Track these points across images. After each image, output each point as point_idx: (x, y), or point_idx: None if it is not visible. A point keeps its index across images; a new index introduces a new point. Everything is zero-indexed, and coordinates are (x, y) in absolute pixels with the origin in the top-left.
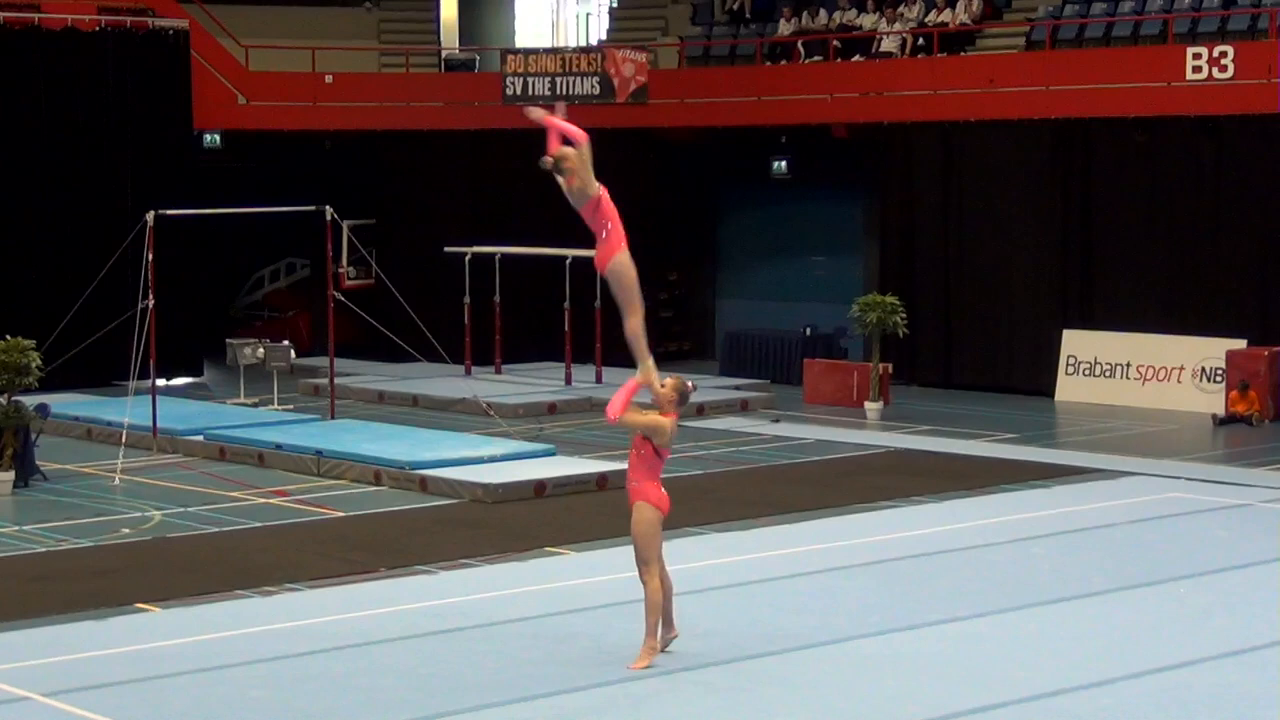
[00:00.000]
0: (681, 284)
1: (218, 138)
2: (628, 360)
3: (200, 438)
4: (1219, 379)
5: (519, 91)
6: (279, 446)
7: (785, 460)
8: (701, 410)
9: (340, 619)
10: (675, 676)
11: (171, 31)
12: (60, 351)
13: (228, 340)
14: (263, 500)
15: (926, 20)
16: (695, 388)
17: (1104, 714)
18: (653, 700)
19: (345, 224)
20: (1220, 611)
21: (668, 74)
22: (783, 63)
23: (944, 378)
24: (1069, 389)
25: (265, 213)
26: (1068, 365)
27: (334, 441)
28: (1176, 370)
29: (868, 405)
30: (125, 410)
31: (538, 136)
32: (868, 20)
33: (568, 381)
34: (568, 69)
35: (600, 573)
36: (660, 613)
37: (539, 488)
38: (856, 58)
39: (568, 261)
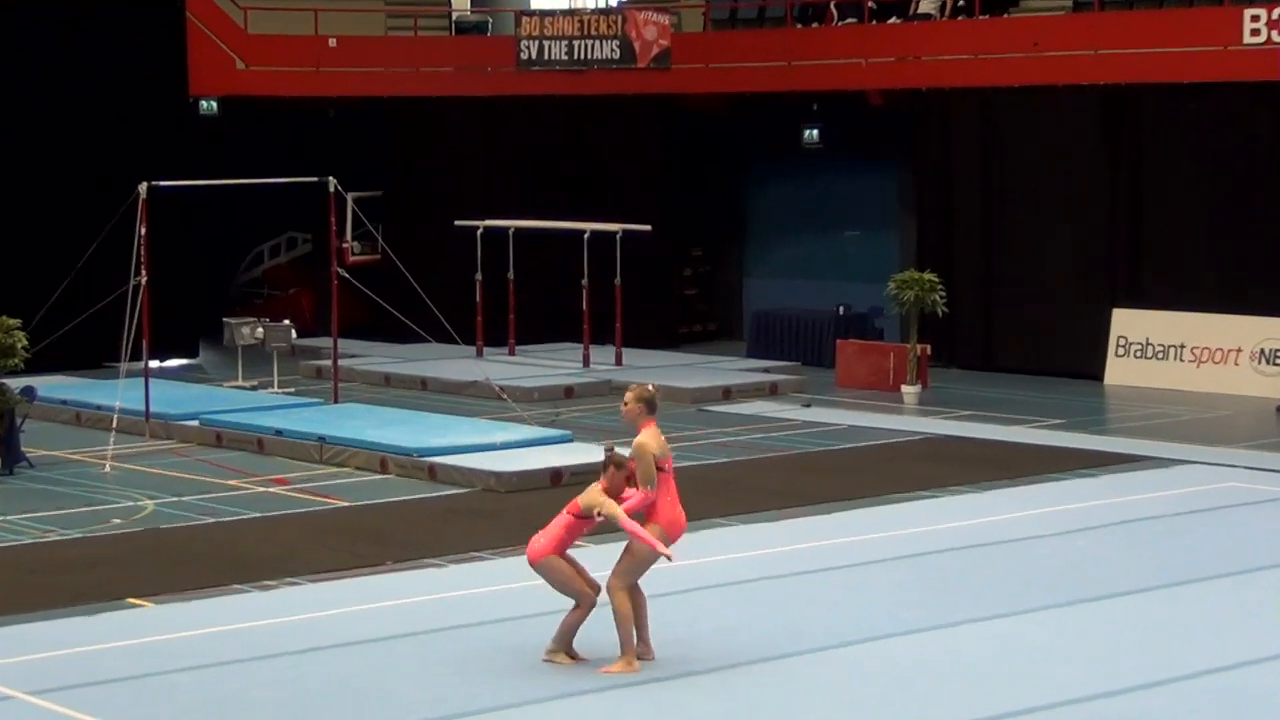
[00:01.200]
0: (706, 261)
1: (215, 105)
2: (647, 341)
3: (195, 423)
4: (1279, 361)
5: (534, 56)
6: (279, 432)
7: (816, 447)
8: (728, 394)
9: (344, 615)
10: (697, 678)
11: None
12: (48, 331)
13: (225, 319)
14: (262, 489)
15: None
16: (656, 389)
17: (1153, 718)
18: (673, 702)
19: (350, 196)
20: (1277, 609)
21: (692, 37)
22: (814, 25)
23: (985, 360)
24: (1119, 372)
25: (265, 184)
26: (1117, 346)
27: (337, 427)
28: (1234, 352)
29: (904, 389)
30: (116, 394)
31: (555, 103)
32: None
33: (585, 363)
34: (586, 32)
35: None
36: (628, 626)
37: (555, 476)
38: (893, 20)
39: (585, 236)
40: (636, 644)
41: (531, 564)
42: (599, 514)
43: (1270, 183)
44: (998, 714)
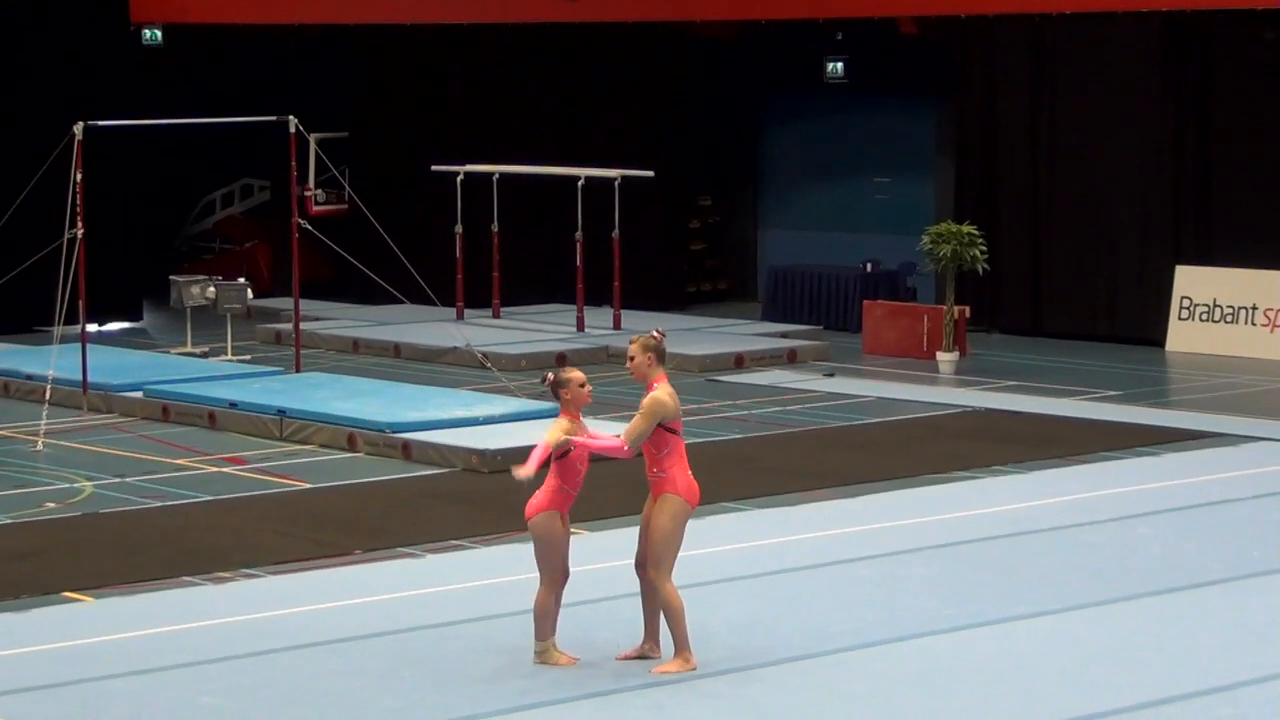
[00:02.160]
0: (717, 210)
1: (159, 34)
2: (650, 302)
3: (139, 394)
4: None
5: None
6: (234, 405)
7: (840, 422)
8: (741, 362)
9: (306, 611)
10: (708, 681)
11: None
12: None
13: (172, 278)
14: (214, 469)
15: None
16: (664, 334)
17: None
18: (679, 709)
19: (312, 138)
20: None
21: None
22: None
23: (1032, 324)
24: (1183, 337)
25: (216, 124)
26: (1181, 309)
27: (300, 399)
28: None
29: (940, 356)
30: (49, 361)
31: (545, 31)
32: None
33: (580, 327)
34: None
35: (618, 556)
36: (682, 621)
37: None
38: None
39: (580, 183)
40: (643, 641)
41: (527, 519)
42: (570, 445)
43: None
44: None
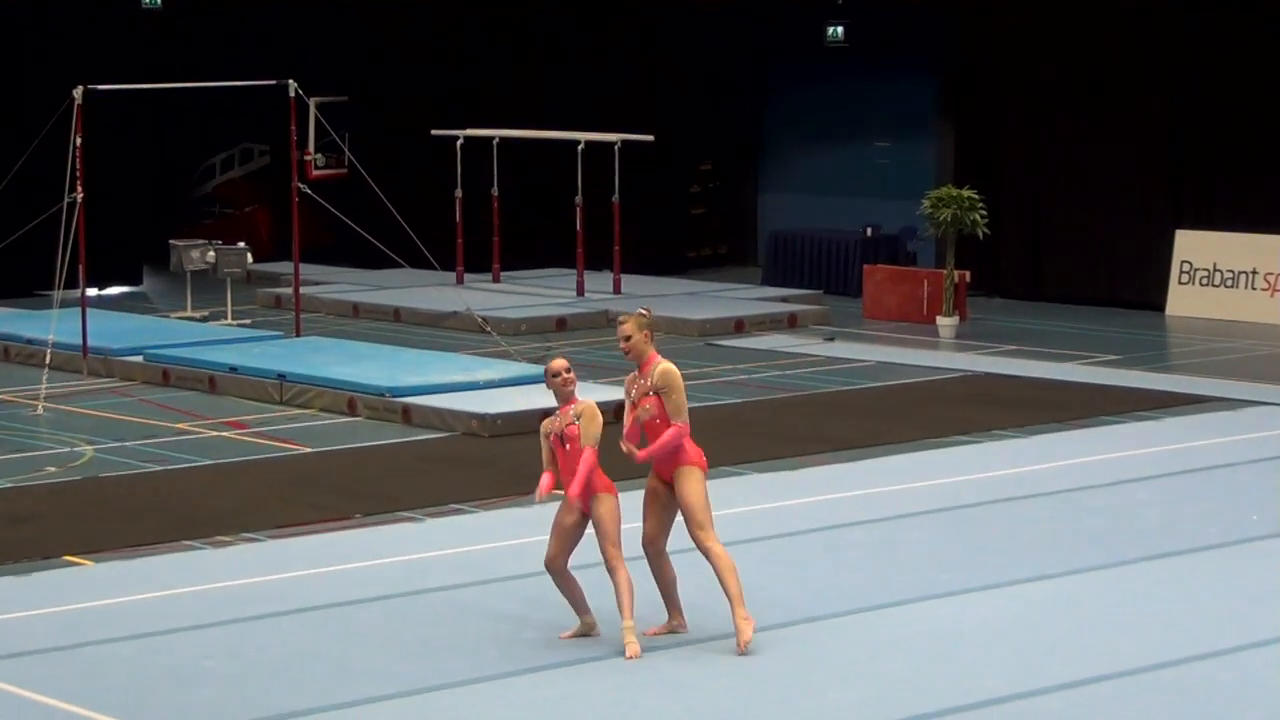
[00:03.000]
0: (717, 175)
1: None
2: (650, 266)
3: (139, 358)
4: None
5: None
6: (234, 369)
7: (840, 386)
8: (741, 326)
9: (306, 576)
10: (705, 645)
11: None
12: None
13: (171, 242)
14: (214, 433)
15: None
16: (649, 311)
17: (1223, 690)
18: (676, 675)
19: (312, 102)
20: None
21: None
22: None
23: (1032, 288)
24: (1183, 301)
25: (216, 88)
26: (1181, 273)
27: (299, 363)
28: None
29: (940, 321)
30: (50, 326)
31: None
32: None
33: (580, 292)
34: None
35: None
36: (737, 576)
37: (545, 419)
38: None
39: (580, 147)
40: (670, 617)
41: (597, 494)
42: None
43: None
44: (1047, 686)
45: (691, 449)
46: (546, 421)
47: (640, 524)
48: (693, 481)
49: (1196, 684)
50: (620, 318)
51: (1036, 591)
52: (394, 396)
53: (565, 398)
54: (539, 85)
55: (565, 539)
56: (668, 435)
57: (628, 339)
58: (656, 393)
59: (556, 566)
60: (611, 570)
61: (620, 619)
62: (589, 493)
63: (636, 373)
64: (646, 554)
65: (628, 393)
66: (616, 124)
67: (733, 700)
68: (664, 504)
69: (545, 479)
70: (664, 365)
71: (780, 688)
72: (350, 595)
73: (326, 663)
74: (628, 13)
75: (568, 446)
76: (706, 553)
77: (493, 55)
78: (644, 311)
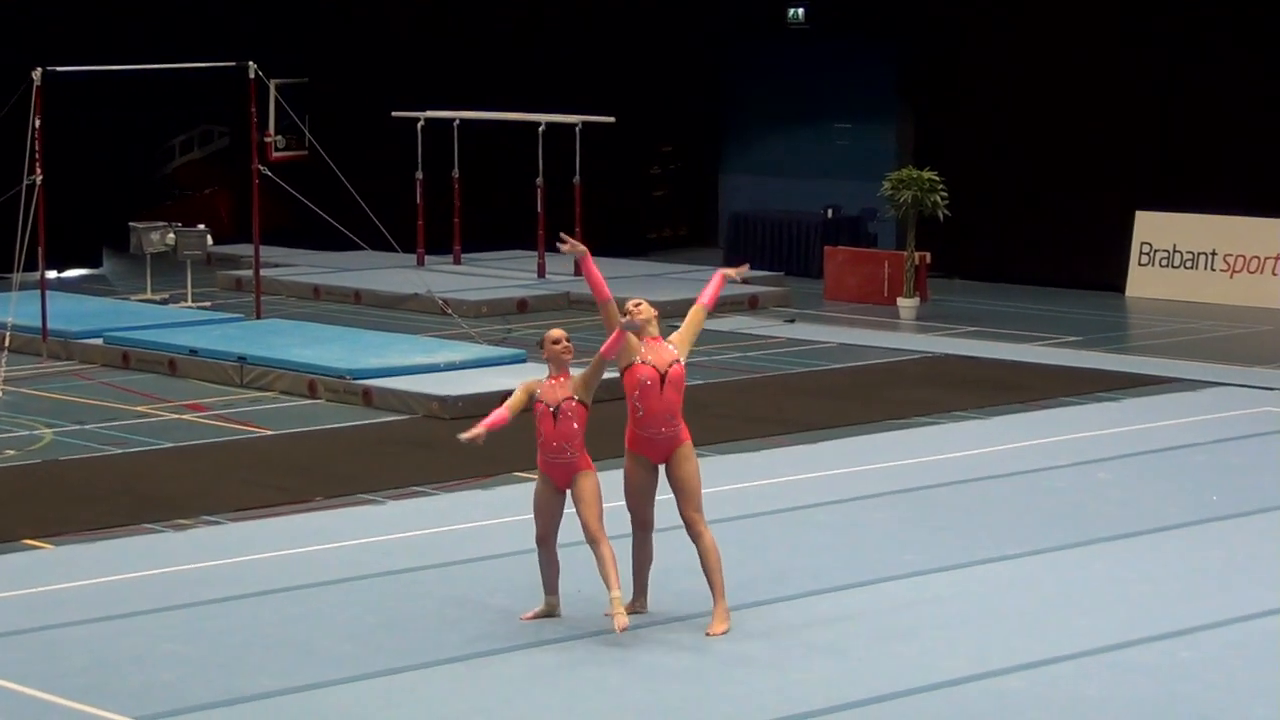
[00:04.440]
0: (678, 156)
1: None
2: (611, 248)
3: (99, 341)
4: None
5: None
6: (194, 351)
7: (802, 368)
8: None
9: (268, 558)
10: (667, 627)
11: None
12: None
13: (131, 224)
14: (174, 416)
15: None
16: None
17: (1182, 669)
18: (635, 656)
19: (272, 83)
20: None
21: None
22: None
23: (992, 269)
24: (1142, 283)
25: (176, 69)
26: (1141, 254)
27: (260, 345)
28: (1272, 260)
29: (900, 302)
30: (8, 308)
31: None
32: None
33: (541, 274)
34: None
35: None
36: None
37: (535, 381)
38: None
39: (541, 129)
40: (634, 597)
41: (580, 471)
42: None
43: None
44: (1008, 666)
45: (686, 429)
46: (541, 387)
47: (623, 503)
48: (694, 462)
49: (1156, 663)
50: (630, 305)
51: (998, 572)
52: (355, 379)
53: (561, 367)
54: (500, 67)
55: (550, 515)
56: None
57: (638, 304)
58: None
59: (549, 544)
60: (594, 543)
61: (607, 591)
62: (573, 470)
63: (569, 381)
64: (637, 535)
65: (541, 392)
66: (578, 105)
67: (696, 680)
68: (650, 481)
69: (497, 414)
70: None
71: (743, 668)
72: (311, 578)
73: (287, 645)
74: None
75: (558, 418)
76: (699, 537)
77: (453, 37)
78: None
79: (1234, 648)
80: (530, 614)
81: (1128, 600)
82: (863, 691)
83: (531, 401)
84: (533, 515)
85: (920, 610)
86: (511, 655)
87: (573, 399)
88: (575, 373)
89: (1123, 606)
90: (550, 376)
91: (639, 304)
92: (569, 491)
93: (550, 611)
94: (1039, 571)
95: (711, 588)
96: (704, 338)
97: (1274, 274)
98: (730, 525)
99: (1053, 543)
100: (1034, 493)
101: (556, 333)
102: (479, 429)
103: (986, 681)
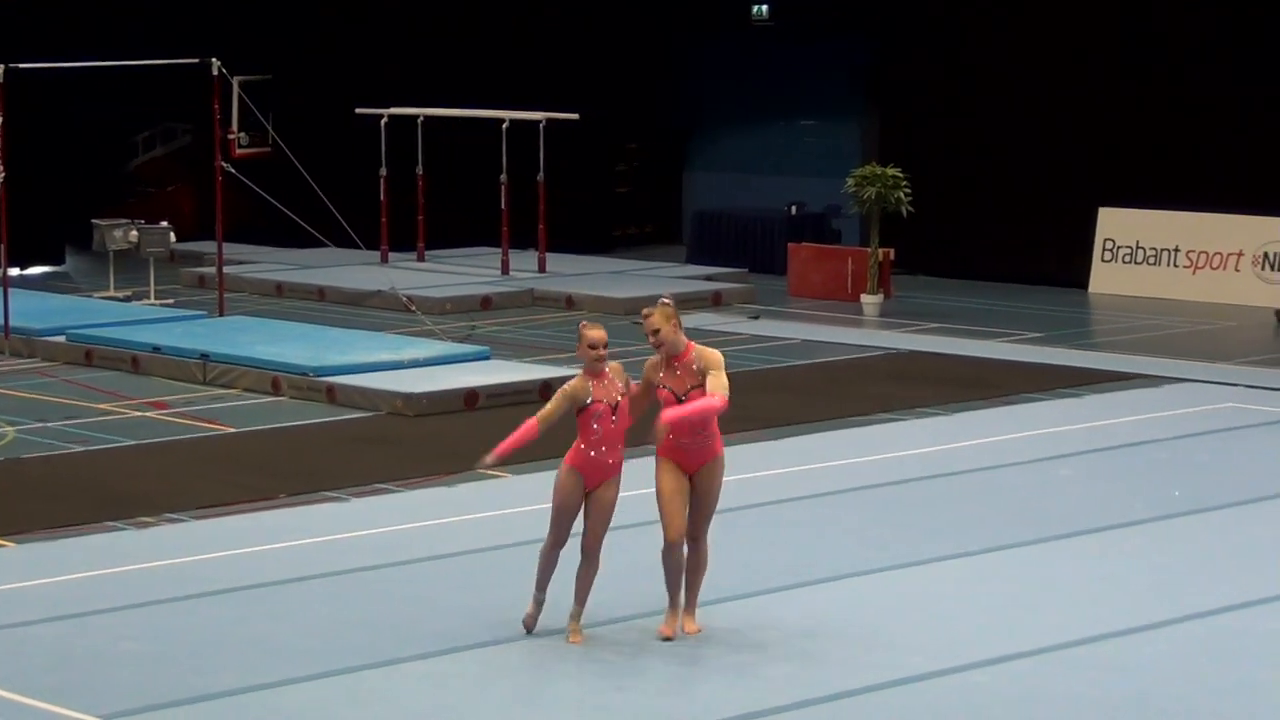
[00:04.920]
0: (642, 154)
1: None
2: (574, 245)
3: (62, 338)
4: None
5: None
6: (157, 349)
7: (765, 364)
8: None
9: (230, 556)
10: (637, 624)
11: None
12: None
13: (94, 221)
14: (137, 414)
15: None
16: (671, 300)
17: (1146, 664)
18: (609, 650)
19: (235, 80)
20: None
21: None
22: None
23: (955, 266)
24: (1105, 279)
25: (139, 66)
26: (1104, 251)
27: (223, 343)
28: (1234, 256)
29: (864, 299)
30: None
31: None
32: None
33: (505, 270)
34: None
35: (543, 499)
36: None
37: (470, 398)
38: None
39: (504, 126)
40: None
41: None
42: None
43: (1276, 60)
44: (973, 661)
45: (719, 437)
46: (593, 387)
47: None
48: (721, 477)
49: (1121, 657)
50: (644, 311)
51: (961, 568)
52: (318, 376)
53: (599, 372)
54: (464, 64)
55: (573, 518)
56: (702, 403)
57: (656, 332)
58: (702, 376)
59: (562, 547)
60: (593, 556)
61: (575, 604)
62: (611, 473)
63: (661, 360)
64: (683, 548)
65: (649, 379)
66: (542, 103)
67: (661, 677)
68: (686, 492)
69: (525, 429)
70: (709, 351)
71: (710, 664)
72: (274, 575)
73: (249, 643)
74: None
75: (617, 416)
76: (698, 546)
77: (417, 34)
78: (666, 301)
79: (1197, 642)
80: (531, 618)
81: (1090, 596)
82: (829, 688)
83: (573, 407)
84: (554, 516)
85: (885, 606)
86: (475, 652)
87: (627, 397)
88: (618, 368)
89: (1085, 602)
90: (590, 376)
91: (648, 314)
92: (589, 494)
93: (539, 610)
94: (1002, 567)
95: (689, 589)
96: None
97: (1237, 270)
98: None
99: (1016, 539)
100: (997, 489)
101: (596, 336)
102: (504, 448)
103: (951, 677)
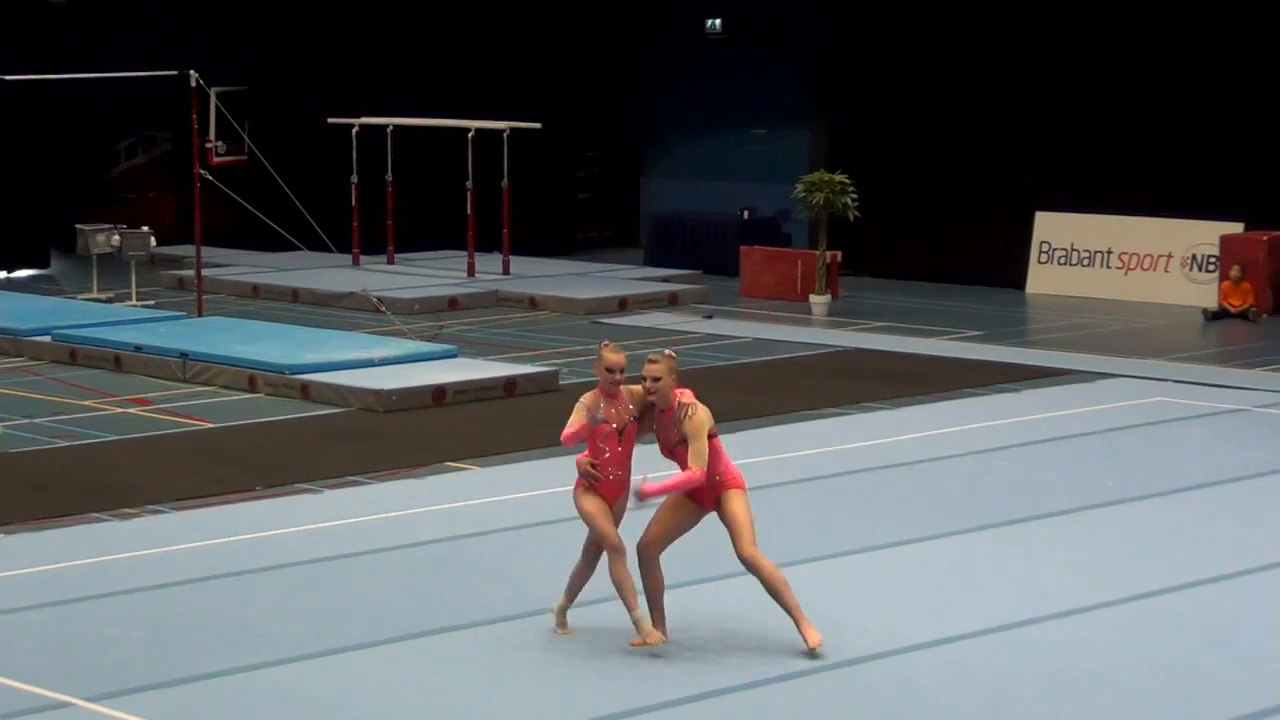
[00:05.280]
0: (602, 161)
1: None
2: (538, 247)
3: (47, 338)
4: (1211, 268)
5: None
6: (139, 348)
7: (718, 361)
8: (624, 305)
9: (210, 545)
10: (579, 611)
11: None
12: None
13: (78, 226)
14: (120, 410)
15: None
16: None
17: (1075, 646)
18: (552, 641)
19: (213, 91)
20: (1207, 530)
21: None
22: None
23: (900, 267)
24: (1042, 280)
25: (121, 78)
26: (1040, 253)
27: (202, 342)
28: (1164, 258)
29: (813, 299)
30: None
31: None
32: None
33: (470, 272)
34: None
35: (508, 491)
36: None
37: (438, 394)
38: None
39: (470, 135)
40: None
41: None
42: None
43: (1206, 75)
44: (912, 643)
45: (733, 471)
46: (604, 409)
47: (644, 527)
48: (743, 504)
49: (1052, 638)
50: (651, 357)
51: (901, 554)
52: (293, 374)
53: (613, 393)
54: (432, 76)
55: (671, 531)
56: (682, 477)
57: (657, 380)
58: (681, 432)
59: (650, 553)
60: (623, 555)
61: (629, 613)
62: (622, 486)
63: (602, 397)
64: (641, 557)
65: (603, 411)
66: (506, 112)
67: (613, 661)
68: (684, 518)
69: (578, 431)
70: (697, 411)
71: (665, 650)
72: (251, 564)
73: (229, 628)
74: (518, 6)
75: (623, 439)
76: (757, 568)
77: (387, 47)
78: (671, 354)
79: (1124, 625)
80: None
81: (1025, 581)
82: (774, 670)
83: (589, 420)
84: (596, 526)
85: (825, 590)
86: (445, 636)
87: (635, 422)
88: (635, 391)
89: (1021, 587)
90: (604, 395)
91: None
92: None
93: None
94: (942, 554)
95: (788, 611)
96: (626, 333)
97: (1166, 271)
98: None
99: (955, 527)
100: (938, 479)
101: (615, 360)
102: (587, 457)
103: (893, 658)
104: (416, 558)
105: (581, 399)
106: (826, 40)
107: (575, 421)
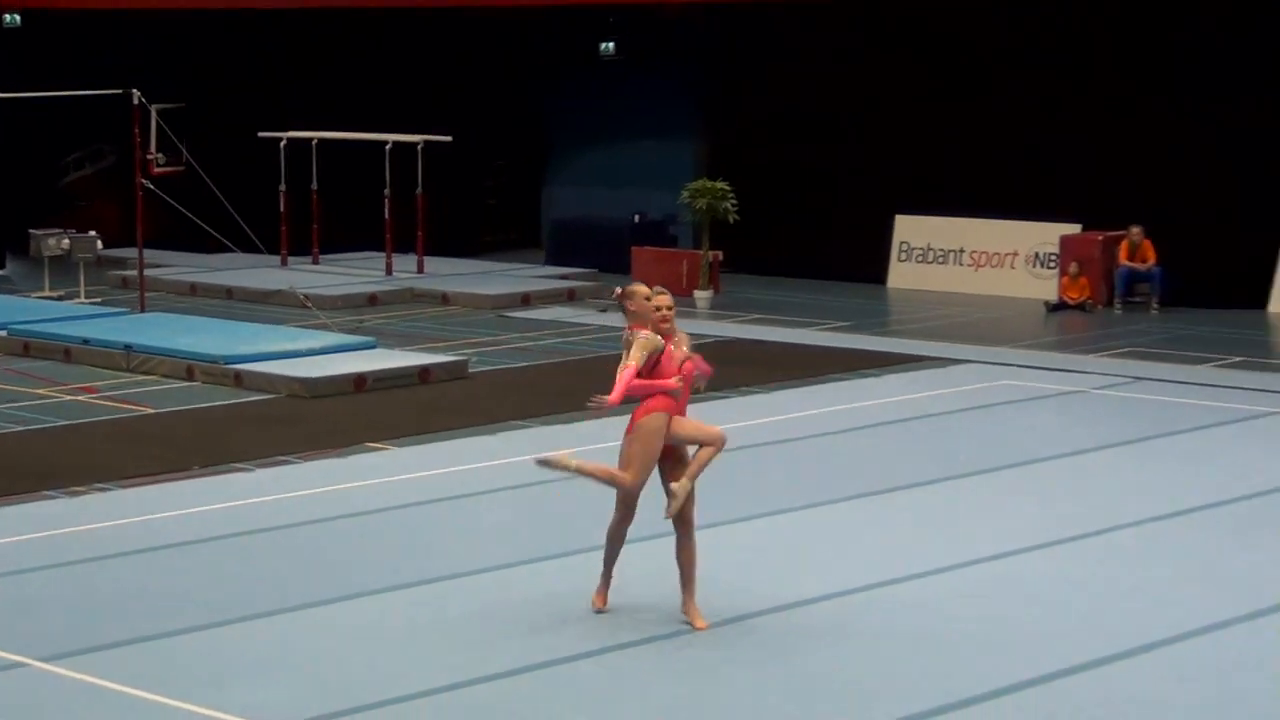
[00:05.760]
0: (508, 171)
1: (18, 18)
2: (450, 248)
3: (3, 333)
4: (1052, 265)
5: None
6: (86, 341)
7: (611, 351)
8: (528, 300)
9: (151, 519)
10: (475, 579)
11: None
12: None
13: (31, 231)
14: (69, 397)
15: None
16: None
17: (925, 604)
18: (456, 597)
19: (154, 108)
20: (1048, 499)
21: None
22: None
23: (775, 265)
24: (901, 276)
25: (69, 96)
26: (900, 252)
27: (144, 335)
28: (1010, 256)
29: (697, 294)
30: None
31: (352, 15)
32: None
33: (388, 271)
34: None
35: (421, 469)
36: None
37: (359, 382)
38: None
39: (388, 147)
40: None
41: (636, 420)
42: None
43: (1045, 89)
44: (779, 604)
45: (648, 404)
46: (664, 342)
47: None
48: (629, 438)
49: (910, 598)
50: (658, 289)
51: (773, 523)
52: (227, 364)
53: (664, 333)
54: (353, 93)
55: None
56: (621, 377)
57: (671, 308)
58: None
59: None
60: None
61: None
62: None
63: (644, 333)
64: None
65: (627, 345)
66: (420, 126)
67: (558, 623)
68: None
69: (630, 380)
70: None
71: (550, 611)
72: (191, 536)
73: (166, 595)
74: (423, 26)
75: (681, 372)
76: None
77: (313, 67)
78: (662, 289)
79: (974, 582)
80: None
81: (883, 547)
82: (645, 632)
83: (650, 358)
84: (642, 462)
85: (699, 558)
86: (363, 600)
87: (689, 360)
88: (684, 336)
89: (879, 552)
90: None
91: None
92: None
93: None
94: (807, 524)
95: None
96: (529, 326)
97: (1012, 268)
98: (538, 489)
99: (824, 497)
100: (808, 457)
101: (663, 299)
102: (616, 398)
103: (782, 613)
104: (339, 529)
105: (638, 336)
106: (708, 62)
107: (638, 356)
